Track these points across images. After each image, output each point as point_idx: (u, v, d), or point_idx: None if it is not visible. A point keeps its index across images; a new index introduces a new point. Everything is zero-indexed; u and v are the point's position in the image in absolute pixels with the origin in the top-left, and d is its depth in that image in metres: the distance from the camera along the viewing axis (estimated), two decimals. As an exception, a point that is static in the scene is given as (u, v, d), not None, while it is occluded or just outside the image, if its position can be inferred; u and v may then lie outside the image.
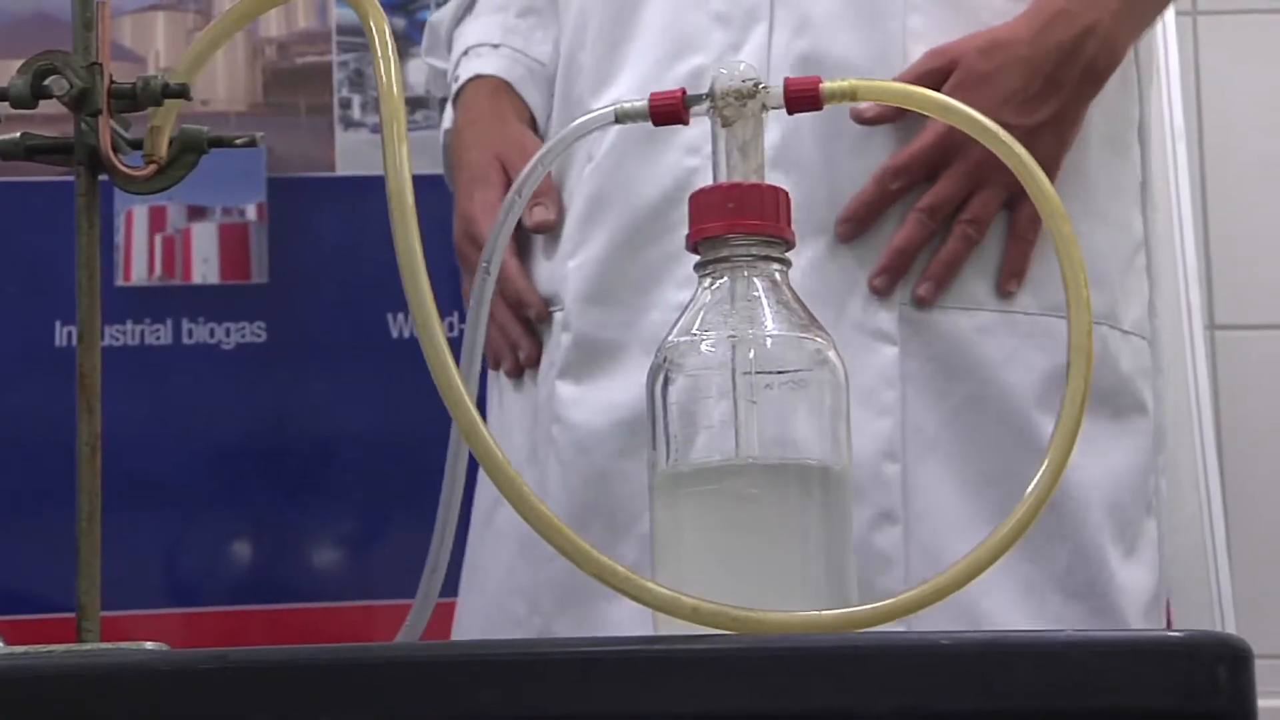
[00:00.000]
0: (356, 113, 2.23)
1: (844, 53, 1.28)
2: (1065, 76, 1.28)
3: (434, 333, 0.71)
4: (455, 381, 0.70)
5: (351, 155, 2.21)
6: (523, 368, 1.40)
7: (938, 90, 1.25)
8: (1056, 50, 1.28)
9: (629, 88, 1.33)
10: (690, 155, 1.29)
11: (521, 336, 1.39)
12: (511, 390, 1.42)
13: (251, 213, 2.16)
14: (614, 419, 1.30)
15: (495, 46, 1.48)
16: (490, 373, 1.47)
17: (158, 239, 2.14)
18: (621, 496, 1.28)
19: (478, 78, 1.47)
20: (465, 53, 1.50)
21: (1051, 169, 1.28)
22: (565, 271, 1.36)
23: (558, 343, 1.36)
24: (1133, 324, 1.36)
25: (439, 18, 1.57)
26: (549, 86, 1.46)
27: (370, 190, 2.12)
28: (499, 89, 1.46)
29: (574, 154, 1.36)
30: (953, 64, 1.27)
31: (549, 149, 0.88)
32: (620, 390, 1.30)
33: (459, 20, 1.54)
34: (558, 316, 1.36)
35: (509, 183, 1.40)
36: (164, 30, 2.23)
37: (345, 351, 2.14)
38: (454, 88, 1.49)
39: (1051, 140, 1.29)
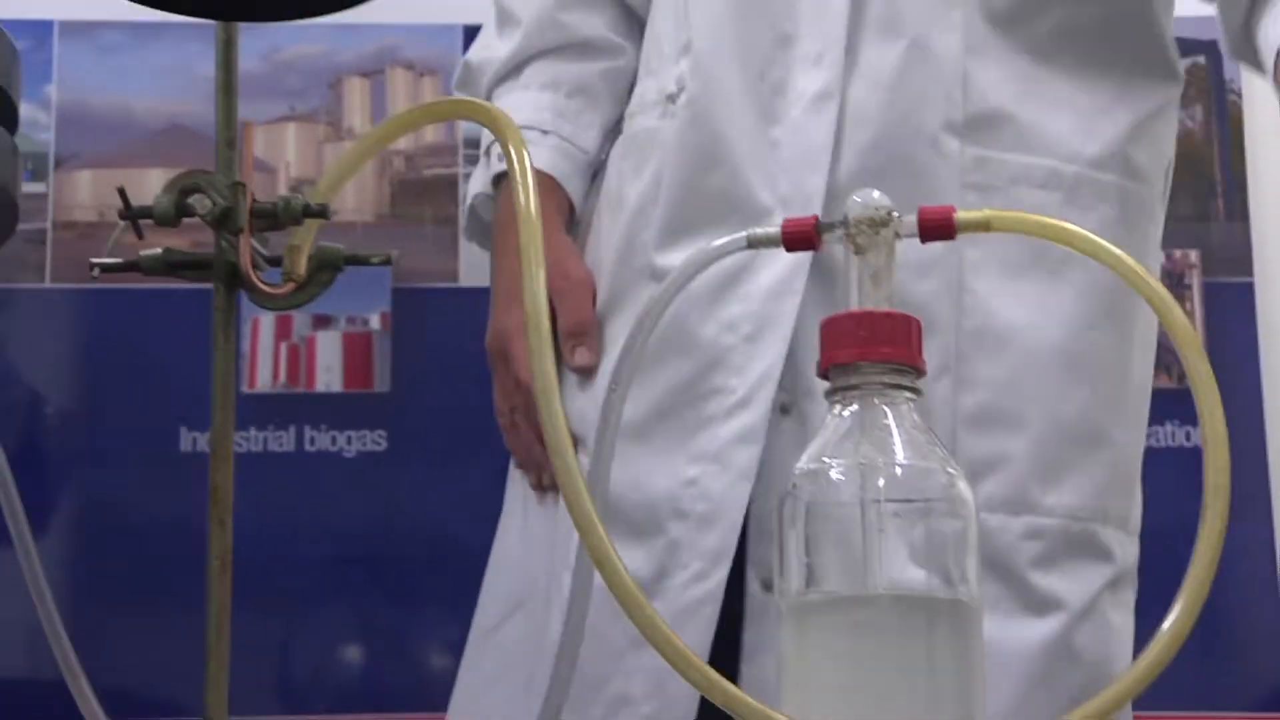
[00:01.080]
0: (481, 225, 2.25)
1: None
2: None
3: (566, 457, 0.71)
4: (588, 508, 0.71)
5: (475, 267, 2.23)
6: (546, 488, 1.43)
7: None
8: None
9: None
10: (728, 333, 1.32)
11: (546, 461, 1.40)
12: (535, 503, 1.43)
13: (375, 322, 2.19)
14: None
15: (545, 133, 1.48)
16: (515, 468, 1.49)
17: (283, 347, 2.17)
18: (598, 656, 1.27)
19: None
20: None
21: None
22: (594, 418, 1.37)
23: None
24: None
25: (478, 61, 1.55)
26: (590, 176, 1.48)
27: (493, 302, 2.13)
28: (546, 189, 1.46)
29: (626, 292, 1.37)
30: None
31: (664, 290, 0.87)
32: (635, 552, 1.31)
33: (502, 78, 1.53)
34: (582, 459, 1.37)
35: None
36: (294, 140, 2.27)
37: (464, 461, 2.15)
38: (498, 167, 1.48)
39: None
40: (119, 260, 0.89)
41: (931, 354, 1.29)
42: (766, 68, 1.36)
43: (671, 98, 1.41)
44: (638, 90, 1.47)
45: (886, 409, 0.79)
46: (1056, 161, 1.35)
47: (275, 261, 0.91)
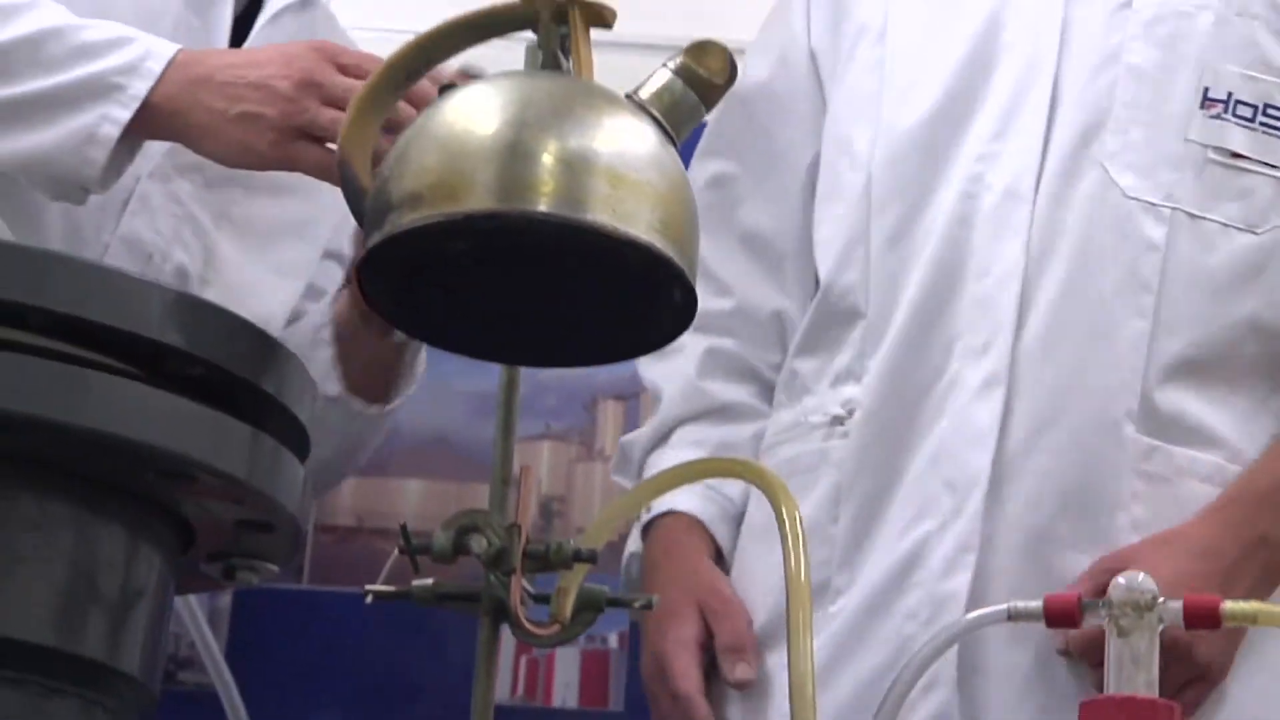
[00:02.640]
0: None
1: (1066, 535, 1.31)
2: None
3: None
4: None
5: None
6: None
7: None
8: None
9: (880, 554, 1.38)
10: (909, 621, 1.33)
11: None
12: None
13: (614, 641, 2.20)
14: None
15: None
16: None
17: (522, 660, 2.18)
18: None
19: (673, 513, 1.50)
20: None
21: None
22: None
23: None
24: None
25: (633, 440, 1.59)
26: (736, 524, 1.50)
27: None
28: (692, 527, 1.49)
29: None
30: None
31: (921, 655, 0.88)
32: None
33: (652, 447, 1.56)
34: None
35: (705, 626, 1.43)
36: (548, 458, 2.31)
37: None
38: (646, 517, 1.50)
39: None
40: (392, 589, 0.92)
41: None
42: (935, 378, 1.40)
43: (839, 420, 1.44)
44: (779, 419, 1.51)
45: (1145, 799, 0.78)
46: (1220, 459, 1.36)
47: (538, 598, 0.94)
